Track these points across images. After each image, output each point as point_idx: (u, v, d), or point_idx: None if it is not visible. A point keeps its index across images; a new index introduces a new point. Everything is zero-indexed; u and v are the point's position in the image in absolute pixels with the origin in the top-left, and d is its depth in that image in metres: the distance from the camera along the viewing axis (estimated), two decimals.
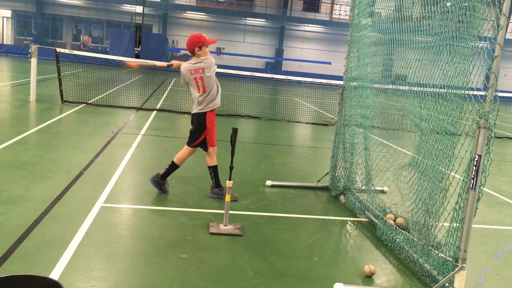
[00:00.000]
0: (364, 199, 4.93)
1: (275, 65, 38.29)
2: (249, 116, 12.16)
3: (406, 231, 4.06)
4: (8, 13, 36.21)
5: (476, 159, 2.99)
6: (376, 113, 4.98)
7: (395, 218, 4.49)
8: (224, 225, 4.15)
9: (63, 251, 3.40)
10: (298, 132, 10.90)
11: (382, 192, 5.74)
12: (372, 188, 4.89)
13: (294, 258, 3.71)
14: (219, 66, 17.10)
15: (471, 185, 3.02)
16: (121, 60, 27.24)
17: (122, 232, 3.93)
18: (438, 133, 3.53)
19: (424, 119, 3.69)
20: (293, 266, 3.56)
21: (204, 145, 4.95)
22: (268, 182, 5.73)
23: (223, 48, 37.63)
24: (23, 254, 3.31)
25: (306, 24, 38.74)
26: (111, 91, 14.69)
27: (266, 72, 28.22)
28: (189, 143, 4.96)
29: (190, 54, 4.89)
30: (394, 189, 5.03)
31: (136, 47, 31.84)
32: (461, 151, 3.25)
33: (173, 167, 4.96)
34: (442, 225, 3.45)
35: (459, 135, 3.28)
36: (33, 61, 11.03)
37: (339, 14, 39.23)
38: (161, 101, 13.55)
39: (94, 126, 8.58)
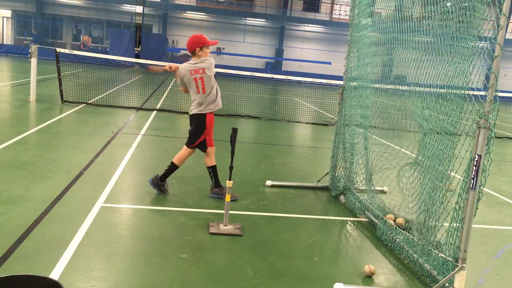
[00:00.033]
0: (364, 199, 4.93)
1: (275, 65, 38.30)
2: (249, 116, 12.16)
3: (406, 231, 4.06)
4: (8, 13, 36.21)
5: (476, 159, 2.99)
6: (376, 113, 4.99)
7: (395, 218, 4.50)
8: (224, 225, 4.15)
9: (63, 251, 3.41)
10: (298, 132, 10.90)
11: (382, 192, 5.74)
12: (372, 188, 4.89)
13: (294, 258, 3.71)
14: (219, 66, 17.05)
15: (471, 185, 3.02)
16: (121, 60, 27.19)
17: (122, 232, 3.93)
18: (438, 133, 3.53)
19: (427, 119, 3.69)
20: (293, 266, 3.56)
21: (203, 146, 4.95)
22: (268, 182, 5.73)
23: (223, 48, 37.63)
24: (23, 254, 3.31)
25: (306, 24, 38.74)
26: (111, 91, 14.69)
27: (266, 72, 28.21)
28: (188, 144, 4.95)
29: (190, 54, 4.89)
30: (395, 190, 5.03)
31: (136, 47, 31.84)
32: (461, 151, 3.25)
33: (172, 167, 4.96)
34: (441, 224, 3.45)
35: (459, 135, 3.28)
36: (33, 61, 11.04)
37: (339, 14, 39.23)
38: (161, 101, 13.55)
39: (94, 126, 8.58)
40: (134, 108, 11.56)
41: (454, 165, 3.32)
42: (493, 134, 2.96)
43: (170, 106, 12.06)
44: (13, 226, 3.78)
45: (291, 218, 4.67)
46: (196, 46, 4.78)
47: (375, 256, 3.95)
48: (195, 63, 4.80)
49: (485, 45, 3.00)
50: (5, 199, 4.38)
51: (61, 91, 11.40)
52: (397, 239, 3.99)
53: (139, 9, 33.52)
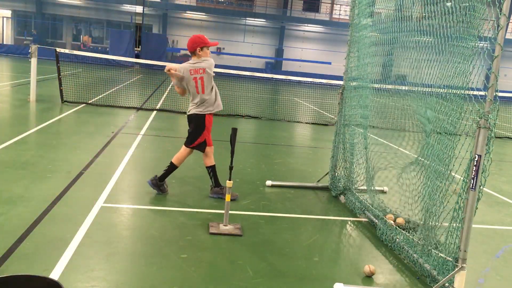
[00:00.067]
0: (364, 199, 4.93)
1: (275, 65, 38.30)
2: (249, 116, 12.16)
3: (406, 231, 4.06)
4: (8, 13, 36.21)
5: (476, 159, 2.99)
6: (376, 113, 4.99)
7: (395, 218, 4.50)
8: (224, 225, 4.15)
9: (63, 251, 3.41)
10: (298, 132, 10.90)
11: (382, 192, 5.74)
12: (372, 188, 4.89)
13: (294, 258, 3.71)
14: (219, 66, 17.03)
15: (471, 185, 3.02)
16: (121, 60, 27.15)
17: (122, 232, 3.93)
18: (438, 133, 3.53)
19: (429, 120, 3.68)
20: (293, 266, 3.56)
21: (202, 147, 4.94)
22: (268, 182, 5.73)
23: (223, 48, 37.63)
24: (23, 254, 3.31)
25: (306, 24, 38.74)
26: (111, 91, 14.70)
27: (266, 72, 28.24)
28: (187, 144, 4.95)
29: (190, 54, 4.89)
30: (395, 190, 5.03)
31: (136, 47, 31.85)
32: (461, 151, 3.25)
33: (172, 167, 4.96)
34: (441, 224, 3.45)
35: (459, 135, 3.28)
36: (33, 61, 11.04)
37: (339, 14, 39.23)
38: (161, 101, 13.55)
39: (94, 126, 8.58)
40: (134, 108, 11.56)
41: (454, 165, 3.33)
42: (493, 134, 2.96)
43: (170, 106, 12.06)
44: (13, 226, 3.78)
45: (291, 218, 4.67)
46: (197, 46, 4.78)
47: (375, 256, 3.95)
48: (195, 63, 4.80)
49: (485, 45, 3.00)
50: (5, 199, 4.38)
51: (61, 91, 11.40)
52: (397, 239, 3.99)
53: (139, 9, 33.53)
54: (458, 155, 3.29)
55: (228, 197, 4.12)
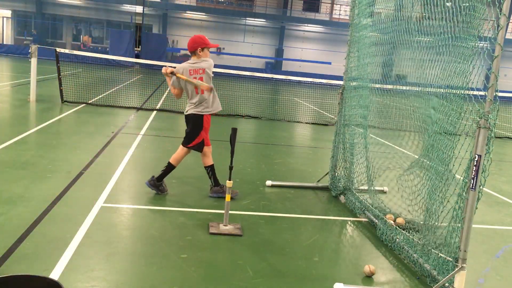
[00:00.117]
0: (364, 199, 4.93)
1: (275, 65, 38.29)
2: (249, 116, 12.16)
3: (406, 231, 4.06)
4: (8, 13, 36.21)
5: (476, 159, 2.99)
6: (376, 113, 4.99)
7: (395, 218, 4.50)
8: (224, 225, 4.15)
9: (63, 251, 3.41)
10: (298, 132, 10.90)
11: (382, 192, 5.74)
12: (372, 188, 4.89)
13: (294, 258, 3.71)
14: (219, 66, 16.98)
15: (471, 185, 3.02)
16: (121, 60, 27.14)
17: (122, 232, 3.93)
18: (439, 133, 3.53)
19: (433, 120, 3.68)
20: (293, 266, 3.56)
21: (200, 147, 4.93)
22: (268, 182, 5.73)
23: (223, 48, 37.63)
24: (23, 254, 3.31)
25: (306, 24, 38.74)
26: (111, 91, 14.70)
27: (266, 72, 28.23)
28: (184, 144, 4.95)
29: (190, 54, 4.88)
30: (394, 190, 5.03)
31: (136, 47, 31.85)
32: (461, 151, 3.25)
33: (169, 168, 4.95)
34: (441, 224, 3.45)
35: (459, 135, 3.28)
36: (33, 61, 11.04)
37: (339, 14, 39.23)
38: (161, 101, 13.56)
39: (94, 126, 8.58)
40: (134, 108, 11.56)
41: (454, 165, 3.33)
42: (493, 134, 2.96)
43: (170, 106, 12.07)
44: (13, 226, 3.78)
45: (291, 218, 4.67)
46: (198, 46, 4.78)
47: (375, 256, 3.95)
48: (195, 63, 4.80)
49: (485, 45, 3.00)
50: (5, 199, 4.38)
51: (61, 91, 11.40)
52: (397, 239, 3.99)
53: (139, 9, 33.53)
54: (458, 155, 3.29)
55: (228, 197, 4.11)
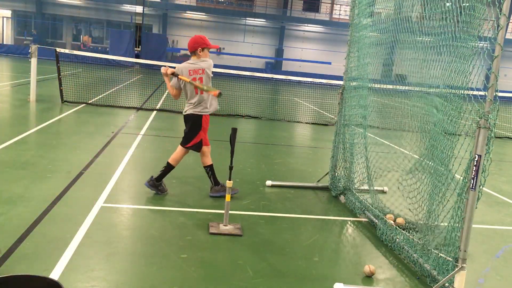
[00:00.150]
0: (364, 199, 4.93)
1: (275, 65, 38.29)
2: (249, 116, 12.16)
3: (406, 231, 4.06)
4: (8, 13, 36.21)
5: (476, 159, 2.99)
6: (376, 113, 4.99)
7: (395, 218, 4.50)
8: (224, 225, 4.15)
9: (63, 251, 3.41)
10: (298, 132, 10.90)
11: (382, 192, 5.74)
12: (372, 188, 4.89)
13: (294, 258, 3.71)
14: (219, 66, 16.97)
15: (471, 185, 3.02)
16: (121, 60, 27.13)
17: (122, 232, 3.93)
18: (439, 133, 3.53)
19: (437, 120, 3.67)
20: (293, 266, 3.56)
21: (198, 147, 4.93)
22: (268, 182, 5.73)
23: (223, 48, 37.63)
24: (23, 254, 3.31)
25: (306, 24, 38.74)
26: (111, 91, 14.70)
27: (266, 72, 28.23)
28: (183, 144, 4.95)
29: (190, 53, 4.89)
30: (395, 190, 5.03)
31: (136, 47, 31.85)
32: (461, 151, 3.25)
33: (168, 168, 4.95)
34: (441, 224, 3.45)
35: (458, 135, 3.28)
36: (33, 61, 11.04)
37: (339, 14, 39.23)
38: (161, 101, 13.56)
39: (94, 126, 8.58)
40: (134, 108, 11.56)
41: (453, 165, 3.32)
42: (493, 134, 2.96)
43: (170, 106, 12.07)
44: (13, 226, 3.78)
45: (291, 218, 4.67)
46: (199, 46, 4.78)
47: (375, 256, 3.95)
48: (195, 63, 4.80)
49: (485, 45, 3.00)
50: (5, 199, 4.38)
51: (61, 91, 11.40)
52: (397, 239, 3.99)
53: (139, 9, 33.52)
54: (457, 155, 3.29)
55: (228, 197, 4.12)
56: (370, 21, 4.95)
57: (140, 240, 3.77)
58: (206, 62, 4.81)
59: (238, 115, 12.08)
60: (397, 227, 4.14)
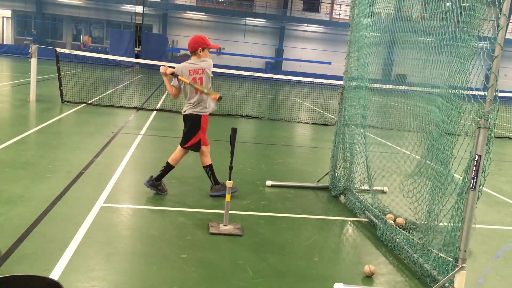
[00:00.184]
0: (364, 199, 4.93)
1: (275, 65, 38.29)
2: (249, 116, 12.16)
3: (406, 231, 4.06)
4: (8, 13, 36.20)
5: (476, 159, 2.98)
6: (376, 113, 4.99)
7: (395, 218, 4.50)
8: (224, 225, 4.15)
9: (63, 251, 3.41)
10: (298, 132, 10.90)
11: (382, 192, 5.74)
12: (372, 188, 4.89)
13: (294, 258, 3.71)
14: (219, 66, 16.97)
15: (471, 185, 3.02)
16: (121, 60, 27.12)
17: (122, 232, 3.93)
18: (439, 133, 3.53)
19: (439, 120, 3.67)
20: (293, 266, 3.56)
21: (197, 147, 4.93)
22: (268, 182, 5.73)
23: (223, 48, 37.62)
24: (23, 254, 3.31)
25: (306, 24, 38.73)
26: (111, 91, 14.70)
27: (266, 72, 28.23)
28: (182, 144, 4.95)
29: (190, 53, 4.89)
30: (393, 191, 5.03)
31: (136, 47, 31.85)
32: (461, 151, 3.25)
33: (168, 167, 4.95)
34: (441, 224, 3.45)
35: (458, 135, 3.28)
36: (33, 61, 11.04)
37: (339, 14, 39.22)
38: (161, 101, 13.56)
39: (94, 126, 8.58)
40: (134, 108, 11.56)
41: (452, 165, 3.32)
42: (492, 134, 2.96)
43: (170, 106, 12.07)
44: (13, 226, 3.78)
45: (291, 218, 4.67)
46: (199, 46, 4.78)
47: (375, 256, 3.95)
48: (195, 63, 4.80)
49: (485, 45, 3.00)
50: (5, 199, 4.38)
51: (61, 91, 11.40)
52: (397, 239, 3.99)
53: (139, 9, 33.52)
54: (457, 155, 3.29)
55: (228, 197, 4.12)
56: (370, 21, 4.96)
57: (140, 240, 3.77)
58: (206, 62, 4.81)
59: (238, 115, 12.08)
60: (397, 227, 4.14)
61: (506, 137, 12.73)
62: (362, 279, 3.48)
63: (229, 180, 4.12)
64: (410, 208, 4.10)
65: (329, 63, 37.73)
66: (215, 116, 10.78)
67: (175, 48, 37.02)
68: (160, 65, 5.15)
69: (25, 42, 35.12)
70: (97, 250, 3.51)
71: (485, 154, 2.98)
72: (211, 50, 4.95)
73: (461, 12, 3.25)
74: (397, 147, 4.68)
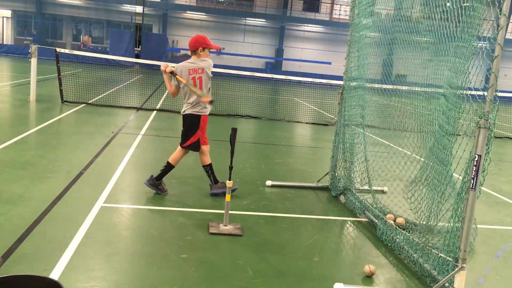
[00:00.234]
0: (364, 199, 4.93)
1: (275, 65, 38.29)
2: (249, 116, 12.16)
3: (406, 231, 4.06)
4: (8, 13, 36.20)
5: (476, 159, 2.98)
6: (376, 113, 4.99)
7: (395, 218, 4.50)
8: (224, 225, 4.15)
9: (63, 251, 3.41)
10: (298, 132, 10.90)
11: (382, 192, 5.74)
12: (372, 188, 4.89)
13: (294, 258, 3.71)
14: (219, 66, 16.98)
15: (471, 185, 3.02)
16: (121, 60, 27.11)
17: (122, 232, 3.93)
18: (439, 133, 3.53)
19: (443, 121, 3.66)
20: (293, 266, 3.56)
21: (196, 147, 4.93)
22: (268, 182, 5.73)
23: (223, 48, 37.62)
24: (23, 254, 3.31)
25: (306, 24, 38.74)
26: (111, 91, 14.70)
27: (266, 72, 28.22)
28: (180, 143, 4.96)
29: (190, 53, 4.89)
30: (392, 191, 5.03)
31: (136, 47, 31.85)
32: (460, 151, 3.25)
33: (168, 167, 4.96)
34: (441, 224, 3.45)
35: (458, 135, 3.28)
36: (33, 61, 11.04)
37: (339, 14, 39.23)
38: (161, 101, 13.56)
39: (94, 126, 8.58)
40: (134, 108, 11.56)
41: (452, 164, 3.32)
42: (492, 134, 2.96)
43: (170, 106, 12.07)
44: (13, 226, 3.78)
45: (291, 218, 4.67)
46: (200, 46, 4.79)
47: (375, 256, 3.95)
48: (195, 63, 4.80)
49: (485, 45, 3.00)
50: (5, 199, 4.38)
51: (61, 91, 11.40)
52: (397, 239, 3.99)
53: (139, 9, 33.52)
54: (456, 154, 3.29)
55: (228, 197, 4.12)
56: (370, 21, 4.96)
57: (140, 240, 3.77)
58: (206, 62, 4.81)
59: (238, 115, 12.08)
60: (397, 227, 4.14)
61: (506, 137, 12.73)
62: (362, 279, 3.48)
63: (229, 180, 4.12)
64: (410, 209, 4.10)
65: (329, 63, 37.73)
66: (215, 116, 10.78)
67: (175, 48, 37.02)
68: (160, 65, 5.16)
69: (25, 42, 35.12)
70: (97, 250, 3.51)
71: (485, 154, 2.98)
72: (211, 50, 4.95)
73: (461, 12, 3.25)
74: (398, 148, 4.68)
